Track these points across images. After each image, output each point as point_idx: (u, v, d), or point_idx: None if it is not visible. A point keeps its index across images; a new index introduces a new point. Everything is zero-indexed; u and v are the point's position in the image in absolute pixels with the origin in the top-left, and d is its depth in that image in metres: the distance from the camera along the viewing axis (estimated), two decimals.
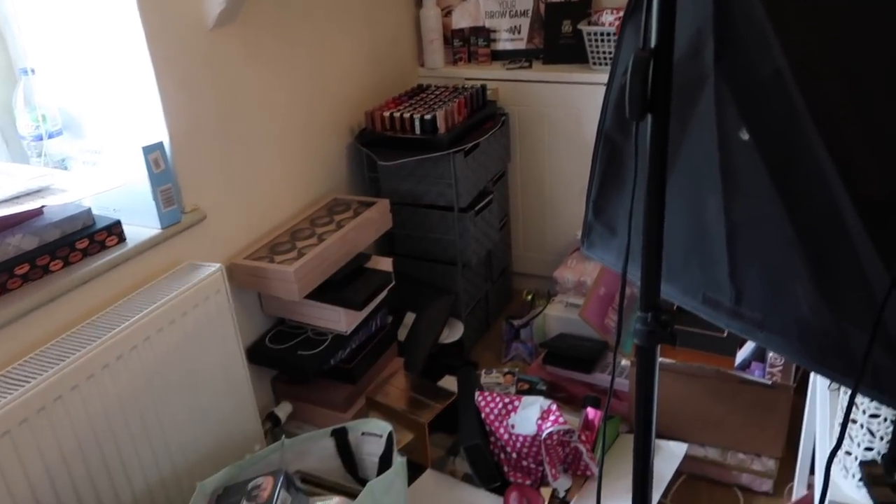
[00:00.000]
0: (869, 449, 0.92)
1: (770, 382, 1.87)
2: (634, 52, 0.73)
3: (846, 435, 0.99)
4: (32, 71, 1.79)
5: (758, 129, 0.77)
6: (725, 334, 1.99)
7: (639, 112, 0.75)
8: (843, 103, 0.70)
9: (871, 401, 0.95)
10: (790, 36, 0.70)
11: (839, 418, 1.08)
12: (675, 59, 0.75)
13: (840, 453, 0.98)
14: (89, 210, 1.73)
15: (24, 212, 1.63)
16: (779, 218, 0.79)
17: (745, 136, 0.78)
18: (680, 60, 0.78)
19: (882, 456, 0.67)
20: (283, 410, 2.18)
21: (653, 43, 0.73)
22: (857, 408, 0.97)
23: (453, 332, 2.56)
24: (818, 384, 1.24)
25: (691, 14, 0.77)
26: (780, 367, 1.91)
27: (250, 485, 1.62)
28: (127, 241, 1.77)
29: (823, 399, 1.15)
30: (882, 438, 0.95)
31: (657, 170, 0.78)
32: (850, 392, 0.78)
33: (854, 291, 0.76)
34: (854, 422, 0.98)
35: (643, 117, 0.76)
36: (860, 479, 0.88)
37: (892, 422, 0.90)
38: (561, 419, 1.84)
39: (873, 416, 0.94)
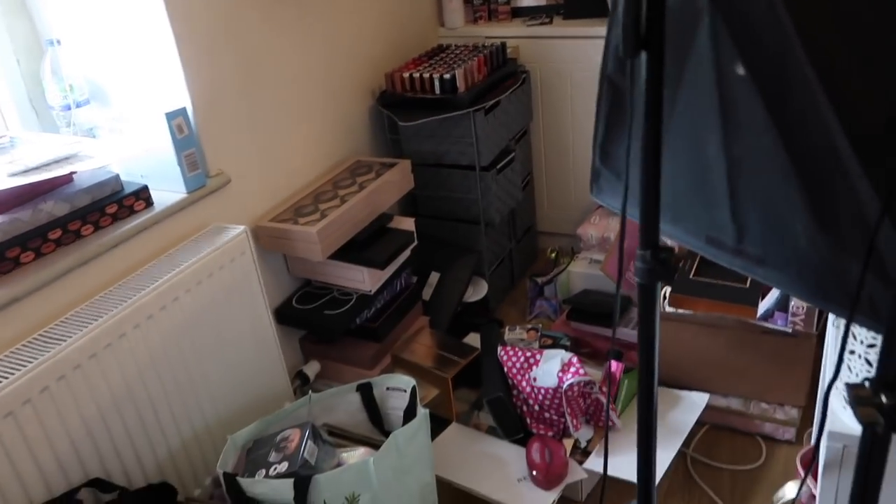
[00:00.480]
0: (868, 380, 0.93)
1: (791, 331, 1.86)
2: None
3: (846, 366, 0.99)
4: (58, 42, 1.83)
5: (753, 63, 0.77)
6: (748, 284, 1.99)
7: (632, 49, 0.76)
8: (834, 34, 0.70)
9: (869, 331, 0.95)
10: None
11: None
12: None
13: (840, 385, 0.99)
14: (117, 176, 1.78)
15: (55, 178, 1.68)
16: (776, 151, 0.79)
17: (740, 70, 0.78)
18: None
19: (870, 379, 0.68)
20: (312, 369, 2.24)
21: None
22: (856, 339, 0.98)
23: (478, 291, 2.59)
24: (831, 326, 1.24)
25: None
26: (803, 316, 1.90)
27: (278, 437, 1.67)
28: (154, 205, 1.82)
29: (832, 338, 1.15)
30: None
31: (653, 107, 0.79)
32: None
33: (850, 223, 0.76)
34: (853, 353, 0.98)
35: (637, 54, 0.77)
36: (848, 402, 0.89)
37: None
38: (581, 371, 1.86)
39: (871, 346, 0.94)
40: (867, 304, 0.79)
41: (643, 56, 0.78)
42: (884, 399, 0.68)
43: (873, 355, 0.94)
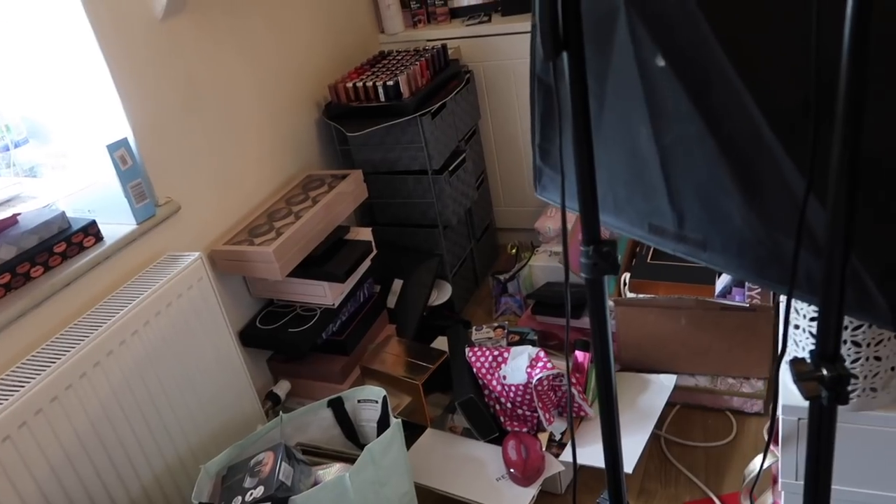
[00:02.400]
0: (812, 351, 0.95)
1: (750, 305, 1.90)
2: None
3: (792, 341, 1.02)
4: None
5: (671, 54, 0.79)
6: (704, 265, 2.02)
7: (553, 51, 0.77)
8: (744, 21, 0.71)
9: (810, 305, 0.98)
10: None
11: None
12: None
13: (787, 359, 1.02)
14: (63, 213, 1.75)
15: None
16: (703, 138, 0.81)
17: (661, 62, 0.80)
18: None
19: (810, 352, 0.70)
20: (282, 388, 2.22)
21: None
22: (798, 313, 1.00)
23: (442, 294, 2.59)
24: (782, 299, 1.27)
25: None
26: (759, 290, 1.94)
27: (252, 461, 1.66)
28: (105, 239, 1.79)
29: (781, 313, 1.18)
30: None
31: (580, 106, 0.80)
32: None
33: (779, 201, 0.78)
34: (797, 327, 1.01)
35: (559, 55, 0.78)
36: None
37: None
38: (549, 365, 1.88)
39: (813, 319, 0.97)
40: (804, 279, 0.81)
41: (565, 56, 0.79)
42: (825, 372, 0.69)
43: (815, 328, 0.96)
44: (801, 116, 0.72)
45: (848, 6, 0.61)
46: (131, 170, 1.80)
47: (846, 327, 0.96)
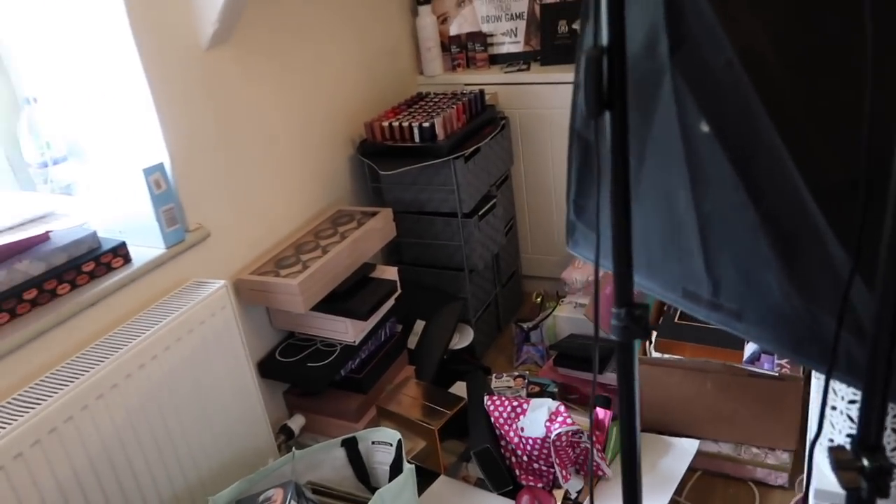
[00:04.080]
0: (850, 436, 0.92)
1: (778, 374, 1.85)
2: (587, 51, 0.74)
3: (828, 423, 0.98)
4: (35, 100, 1.83)
5: (716, 121, 0.77)
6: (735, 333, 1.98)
7: (596, 109, 0.76)
8: (792, 92, 0.70)
9: (849, 387, 0.94)
10: (738, 28, 0.70)
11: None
12: (631, 55, 0.76)
13: (824, 441, 0.98)
14: (95, 233, 1.77)
15: (31, 237, 1.67)
16: (744, 207, 0.79)
17: (705, 127, 0.78)
18: (637, 56, 0.79)
19: (848, 437, 0.67)
20: (296, 423, 2.20)
21: (605, 41, 0.74)
22: (836, 394, 0.97)
23: (464, 338, 2.56)
24: (815, 372, 1.23)
25: (644, 11, 0.78)
26: (789, 359, 1.89)
27: (261, 498, 1.64)
28: (133, 261, 1.80)
29: (816, 388, 1.14)
30: None
31: (619, 165, 0.78)
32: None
33: (822, 277, 0.76)
34: (834, 409, 0.97)
35: (601, 114, 0.77)
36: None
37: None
38: (569, 420, 1.84)
39: (852, 402, 0.93)
40: (844, 359, 0.78)
41: (607, 115, 0.77)
42: (865, 463, 0.66)
43: (855, 411, 0.93)
44: (849, 193, 0.70)
45: None
46: (164, 194, 1.82)
47: (888, 414, 0.92)
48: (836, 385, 0.97)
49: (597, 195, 0.82)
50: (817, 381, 1.16)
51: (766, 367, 1.90)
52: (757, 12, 0.69)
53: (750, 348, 1.97)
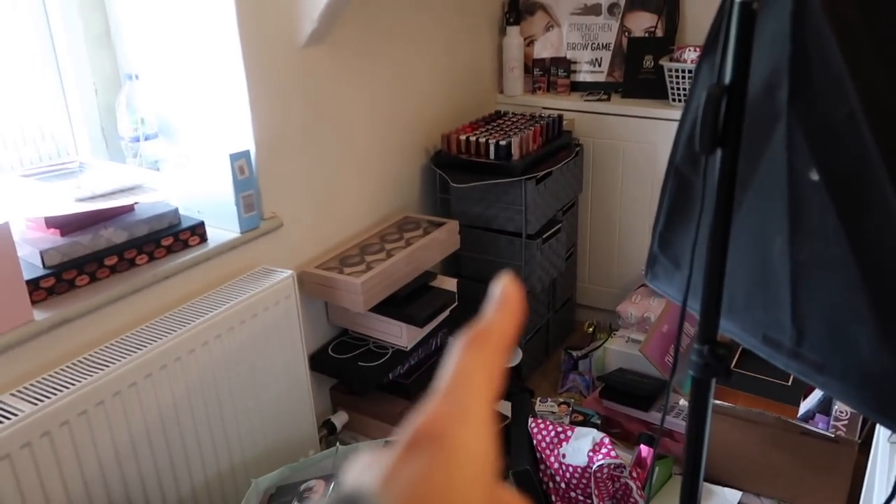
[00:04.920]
0: None
1: (833, 436, 1.81)
2: (708, 87, 0.75)
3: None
4: (136, 77, 1.91)
5: (828, 171, 0.77)
6: (790, 382, 1.95)
7: (709, 146, 0.77)
8: None
9: None
10: (865, 80, 0.71)
11: None
12: (748, 95, 0.76)
13: None
14: (176, 210, 1.83)
15: (118, 207, 1.73)
16: (845, 261, 0.79)
17: (814, 176, 0.78)
18: (753, 97, 0.79)
19: None
20: (339, 419, 2.23)
21: (727, 79, 0.75)
22: None
23: (512, 358, 2.57)
24: (881, 438, 1.21)
25: (768, 53, 0.79)
26: (846, 422, 1.85)
27: (302, 486, 1.66)
28: (208, 241, 1.85)
29: (884, 452, 1.12)
30: None
31: (724, 204, 0.79)
32: None
33: None
34: None
35: (713, 151, 0.77)
36: None
37: None
38: (613, 453, 1.83)
39: None
40: None
41: (718, 153, 0.78)
42: None
43: None
44: None
45: None
46: (247, 180, 1.87)
47: None
48: None
49: (696, 231, 0.83)
50: (890, 445, 1.14)
51: (821, 426, 1.86)
52: (886, 67, 0.70)
53: (805, 405, 1.93)
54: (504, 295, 0.32)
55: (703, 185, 0.78)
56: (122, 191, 1.75)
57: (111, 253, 1.67)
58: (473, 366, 0.30)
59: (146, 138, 1.95)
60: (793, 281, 0.87)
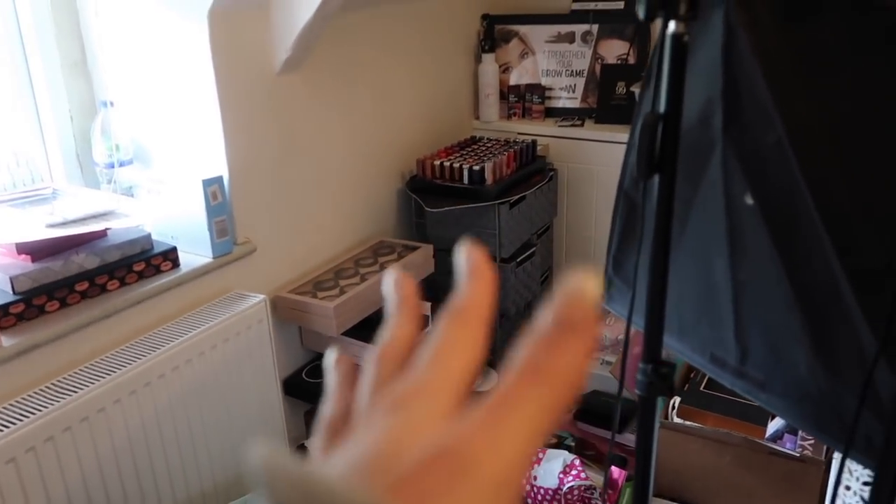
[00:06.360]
0: None
1: (800, 455, 1.83)
2: (644, 116, 0.78)
3: (841, 501, 0.98)
4: (112, 104, 1.93)
5: (761, 195, 0.80)
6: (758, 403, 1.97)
7: (646, 172, 0.80)
8: (837, 175, 0.73)
9: (865, 468, 0.95)
10: (790, 110, 0.74)
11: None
12: (686, 124, 0.80)
13: None
14: (149, 235, 1.84)
15: (90, 232, 1.75)
16: (779, 281, 0.82)
17: (749, 200, 0.82)
18: (691, 126, 0.83)
19: None
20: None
21: (662, 107, 0.78)
22: (852, 475, 0.97)
23: (487, 381, 2.58)
24: (836, 455, 1.23)
25: (703, 84, 0.82)
26: (812, 441, 1.87)
27: None
28: (181, 266, 1.87)
29: (834, 467, 1.14)
30: None
31: (662, 226, 0.82)
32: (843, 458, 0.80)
33: (849, 357, 0.78)
34: (848, 489, 0.97)
35: (650, 177, 0.80)
36: None
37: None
38: (583, 475, 1.84)
39: (866, 483, 0.94)
40: (863, 440, 0.79)
41: (656, 178, 0.81)
42: None
43: (868, 492, 0.93)
44: (882, 278, 0.72)
45: None
46: (219, 206, 1.89)
47: None
48: (852, 465, 0.98)
49: (637, 253, 0.86)
50: (836, 460, 1.16)
51: (789, 446, 1.88)
52: (810, 98, 0.73)
53: (773, 426, 1.95)
54: (471, 264, 0.30)
55: (642, 208, 0.81)
56: (94, 216, 1.76)
57: (82, 278, 1.68)
58: (460, 344, 0.28)
59: (121, 164, 1.97)
60: (735, 301, 0.90)
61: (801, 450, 1.86)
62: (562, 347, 0.26)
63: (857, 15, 0.77)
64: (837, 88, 0.72)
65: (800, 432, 1.91)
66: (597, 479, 2.02)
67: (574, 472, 1.85)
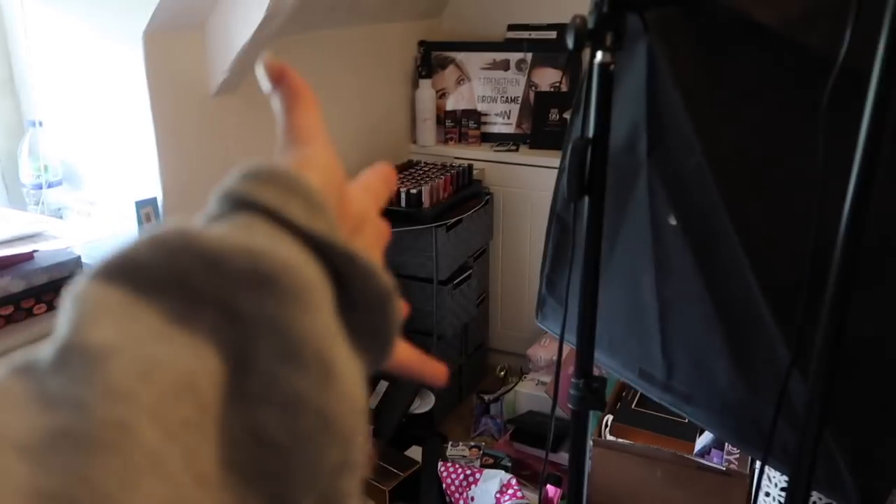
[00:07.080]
0: None
1: (726, 469, 1.90)
2: (574, 140, 0.82)
3: None
4: (40, 123, 1.89)
5: (684, 216, 0.85)
6: (687, 420, 2.04)
7: (576, 194, 0.83)
8: (753, 198, 0.78)
9: (783, 475, 1.00)
10: (710, 137, 0.79)
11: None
12: (613, 148, 0.84)
13: None
14: (79, 258, 1.80)
15: (15, 255, 1.69)
16: (702, 298, 0.86)
17: (672, 221, 0.86)
18: (618, 150, 0.87)
19: None
20: None
21: (591, 132, 0.82)
22: (770, 481, 1.02)
23: (424, 403, 2.59)
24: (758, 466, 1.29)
25: (629, 110, 0.87)
26: (738, 455, 1.94)
27: None
28: None
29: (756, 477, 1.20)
30: None
31: (592, 246, 0.86)
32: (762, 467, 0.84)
33: (765, 370, 0.83)
34: (768, 495, 1.03)
35: (581, 198, 0.84)
36: None
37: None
38: (519, 494, 1.86)
39: (784, 489, 0.99)
40: (780, 448, 0.84)
41: (586, 200, 0.85)
42: None
43: (785, 498, 0.99)
44: (795, 294, 0.77)
45: (847, 199, 0.68)
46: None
47: (815, 503, 0.98)
48: (771, 473, 1.03)
49: (569, 273, 0.89)
50: (757, 469, 1.21)
51: (716, 460, 1.95)
52: (729, 127, 0.78)
53: (701, 441, 2.02)
54: (272, 73, 0.37)
55: (573, 229, 0.85)
56: (20, 238, 1.71)
57: (7, 302, 1.63)
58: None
59: (49, 185, 1.92)
60: (661, 318, 0.95)
61: (727, 464, 1.93)
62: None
63: (769, 55, 0.82)
64: (753, 120, 0.78)
65: (726, 447, 1.98)
66: (533, 498, 2.05)
67: (510, 492, 1.87)
